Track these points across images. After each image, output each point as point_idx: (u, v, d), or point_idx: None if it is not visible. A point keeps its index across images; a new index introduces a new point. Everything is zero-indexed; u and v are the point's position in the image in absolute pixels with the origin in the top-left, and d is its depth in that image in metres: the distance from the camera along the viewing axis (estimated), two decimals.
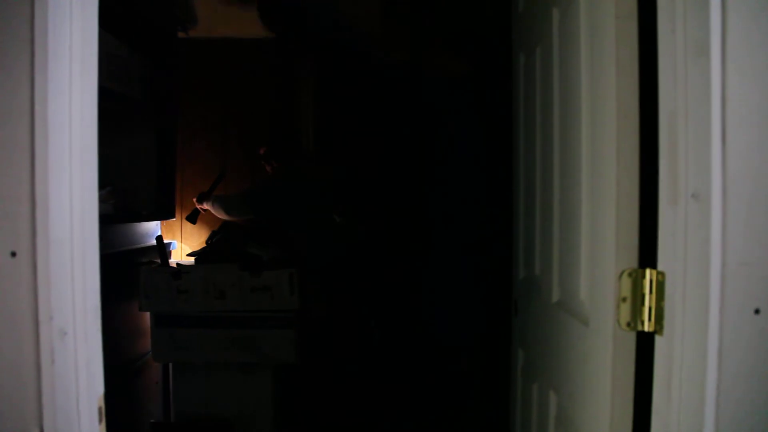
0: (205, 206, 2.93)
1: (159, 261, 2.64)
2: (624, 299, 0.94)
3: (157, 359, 2.58)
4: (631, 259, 0.96)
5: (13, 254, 0.81)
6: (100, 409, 0.93)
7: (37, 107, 0.79)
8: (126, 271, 2.52)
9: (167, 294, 2.50)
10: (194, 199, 2.97)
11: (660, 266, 0.90)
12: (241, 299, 2.49)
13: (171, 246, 3.02)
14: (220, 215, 2.91)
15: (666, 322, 0.88)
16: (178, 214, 3.15)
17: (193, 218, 3.02)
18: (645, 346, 0.94)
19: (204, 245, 2.95)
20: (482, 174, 2.14)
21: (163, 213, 2.95)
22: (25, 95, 0.79)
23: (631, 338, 0.96)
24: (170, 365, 2.68)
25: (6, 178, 0.79)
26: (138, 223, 2.71)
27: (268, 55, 3.29)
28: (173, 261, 2.73)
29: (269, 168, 2.99)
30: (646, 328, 0.92)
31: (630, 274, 0.94)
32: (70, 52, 0.83)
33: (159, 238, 2.68)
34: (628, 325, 0.94)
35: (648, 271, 0.92)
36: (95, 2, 0.91)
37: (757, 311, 0.80)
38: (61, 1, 0.81)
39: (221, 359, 2.54)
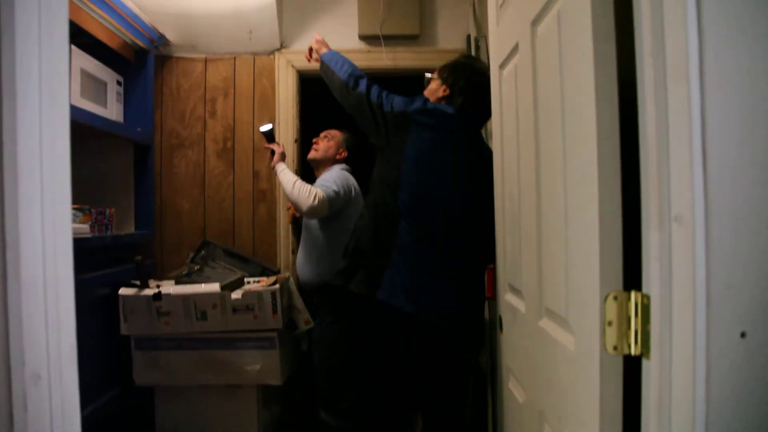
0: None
1: (139, 283, 2.60)
2: (610, 323, 0.94)
3: (138, 382, 2.53)
4: (616, 282, 0.95)
5: None
6: None
7: (6, 145, 0.77)
8: (107, 294, 2.47)
9: (147, 316, 2.46)
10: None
11: (645, 289, 0.89)
12: (223, 320, 2.46)
13: (150, 266, 2.97)
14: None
15: (653, 346, 0.88)
16: (157, 234, 3.11)
17: (272, 133, 2.94)
18: (632, 369, 0.94)
19: (185, 265, 2.91)
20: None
21: (143, 233, 2.91)
22: None
23: (618, 362, 0.95)
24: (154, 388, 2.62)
25: None
26: (116, 244, 2.66)
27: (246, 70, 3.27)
28: (153, 282, 2.69)
29: (336, 153, 2.91)
30: (632, 352, 0.92)
31: (615, 298, 0.94)
32: (39, 84, 0.81)
33: (138, 260, 2.64)
34: (615, 348, 0.94)
35: (633, 294, 0.92)
36: (65, 30, 0.89)
37: (743, 334, 0.79)
38: (28, 32, 0.79)
39: (204, 381, 2.50)
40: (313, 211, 2.58)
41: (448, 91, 2.04)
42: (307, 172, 3.07)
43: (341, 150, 2.92)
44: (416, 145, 1.92)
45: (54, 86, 0.84)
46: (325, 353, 2.58)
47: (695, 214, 0.80)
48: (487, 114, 1.96)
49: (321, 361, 2.58)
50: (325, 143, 2.93)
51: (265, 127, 2.95)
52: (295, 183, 2.63)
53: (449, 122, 1.98)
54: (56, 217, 0.84)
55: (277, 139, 3.07)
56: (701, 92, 0.79)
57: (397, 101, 1.99)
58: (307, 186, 2.62)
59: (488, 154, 2.02)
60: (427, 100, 2.03)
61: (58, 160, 0.85)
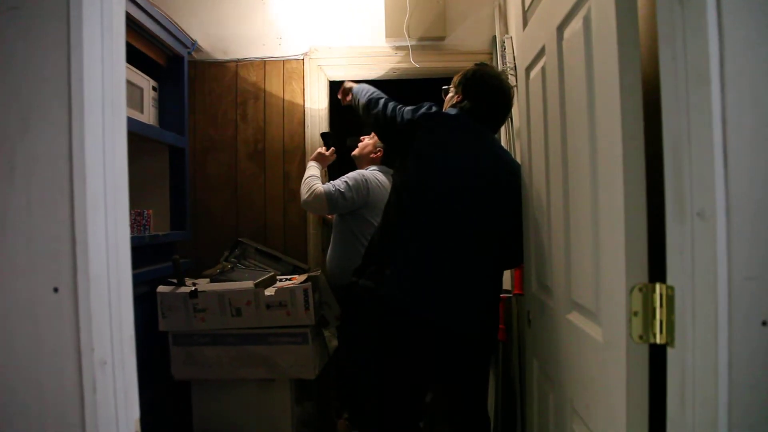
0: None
1: (176, 281, 2.69)
2: (636, 313, 0.98)
3: (176, 376, 2.62)
4: (642, 275, 0.99)
5: (56, 290, 0.86)
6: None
7: (75, 152, 0.84)
8: (146, 291, 2.57)
9: (184, 313, 2.55)
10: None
11: (669, 281, 0.94)
12: (257, 316, 2.54)
13: (187, 265, 3.07)
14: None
15: (677, 335, 0.92)
16: (192, 233, 3.21)
17: (327, 139, 3.14)
18: (658, 358, 0.98)
19: (219, 264, 3.00)
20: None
21: (179, 233, 3.01)
22: (64, 140, 0.84)
23: (644, 350, 0.99)
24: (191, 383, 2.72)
25: (49, 219, 0.84)
26: (154, 244, 2.76)
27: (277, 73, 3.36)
28: (189, 280, 2.78)
29: (374, 153, 3.04)
30: (658, 341, 0.96)
31: (641, 289, 0.98)
32: (102, 97, 0.89)
33: (175, 259, 2.73)
34: (641, 338, 0.98)
35: (658, 286, 0.96)
36: (122, 49, 0.96)
37: (764, 323, 0.83)
38: (93, 52, 0.86)
39: (239, 376, 2.59)
40: (306, 206, 2.86)
41: (459, 96, 2.11)
42: (344, 171, 3.17)
43: (377, 149, 3.02)
44: (420, 146, 1.98)
45: (114, 98, 0.92)
46: (349, 358, 2.69)
47: (717, 209, 0.84)
48: (498, 116, 2.04)
49: (345, 365, 2.69)
50: (365, 141, 3.06)
51: (324, 132, 3.22)
52: (306, 178, 2.84)
53: (450, 122, 2.03)
54: (117, 218, 0.92)
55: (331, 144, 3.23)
56: (722, 93, 0.83)
57: (406, 111, 2.08)
58: (314, 182, 2.80)
59: (501, 153, 2.07)
60: (432, 105, 2.09)
61: (118, 164, 0.93)
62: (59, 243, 0.85)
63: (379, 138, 2.40)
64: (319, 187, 2.76)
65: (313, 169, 2.93)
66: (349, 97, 2.53)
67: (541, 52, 1.51)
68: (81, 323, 0.86)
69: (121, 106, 0.95)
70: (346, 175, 2.89)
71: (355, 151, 3.10)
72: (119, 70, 0.93)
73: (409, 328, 1.92)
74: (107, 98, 0.89)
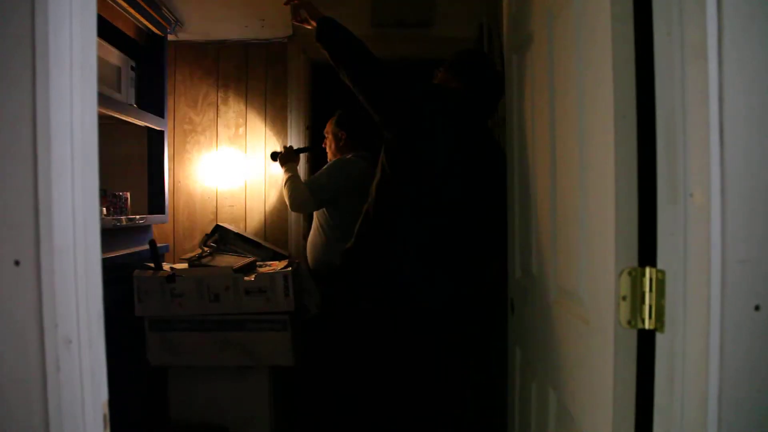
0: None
1: (153, 265, 2.63)
2: (624, 298, 0.96)
3: (153, 363, 2.57)
4: (631, 258, 0.97)
5: (17, 263, 0.80)
6: (104, 415, 0.93)
7: (39, 115, 0.79)
8: (122, 276, 2.51)
9: (161, 298, 2.49)
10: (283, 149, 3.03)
11: (660, 264, 0.91)
12: (236, 302, 2.49)
13: (164, 249, 3.00)
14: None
15: (667, 320, 0.90)
16: (170, 217, 3.14)
17: (275, 156, 3.06)
18: (646, 343, 0.96)
19: (197, 248, 2.95)
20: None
21: (156, 216, 2.94)
22: (27, 102, 0.78)
23: (632, 336, 0.97)
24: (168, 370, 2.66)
25: (10, 187, 0.79)
26: (130, 227, 2.69)
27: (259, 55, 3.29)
28: (167, 265, 2.72)
29: (338, 143, 2.97)
30: (647, 326, 0.93)
31: (630, 273, 0.95)
32: (71, 57, 0.83)
33: (152, 242, 2.67)
34: (629, 323, 0.95)
35: (648, 270, 0.93)
36: (93, 8, 0.91)
37: (757, 308, 0.81)
38: (60, 8, 0.81)
39: (217, 363, 2.54)
40: (298, 210, 2.96)
41: (448, 77, 2.07)
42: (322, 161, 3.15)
43: (340, 135, 2.96)
44: (430, 124, 1.93)
45: (85, 58, 0.86)
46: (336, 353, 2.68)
47: (711, 190, 0.81)
48: (488, 97, 2.00)
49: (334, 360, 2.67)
50: (328, 144, 3.03)
51: (273, 153, 3.12)
52: (285, 183, 2.83)
53: (457, 101, 1.99)
54: (86, 186, 0.86)
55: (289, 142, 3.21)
56: (719, 69, 0.80)
57: (405, 82, 1.99)
58: (296, 185, 2.80)
59: (490, 137, 2.05)
60: (426, 82, 2.05)
61: (88, 130, 0.87)
62: (21, 213, 0.80)
63: (369, 101, 1.98)
64: (300, 189, 2.79)
65: (286, 174, 2.91)
66: (311, 25, 2.06)
67: (530, 32, 1.48)
68: (44, 298, 0.80)
69: (91, 67, 0.89)
70: (325, 168, 2.90)
71: (329, 156, 3.04)
72: (90, 27, 0.87)
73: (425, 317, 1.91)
74: (76, 57, 0.83)
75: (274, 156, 3.05)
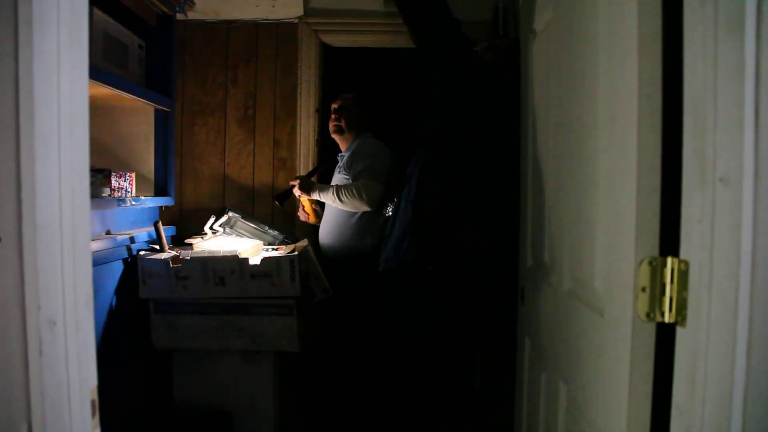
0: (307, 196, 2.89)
1: (158, 247, 2.59)
2: (643, 289, 0.90)
3: (157, 346, 2.54)
4: (652, 247, 0.91)
5: None
6: (93, 402, 0.88)
7: (21, 82, 0.74)
8: (126, 257, 2.48)
9: (166, 280, 2.46)
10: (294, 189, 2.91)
11: (683, 254, 0.85)
12: (241, 286, 2.44)
13: (170, 231, 2.97)
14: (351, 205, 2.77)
15: (689, 313, 0.84)
16: (176, 199, 3.10)
17: (282, 199, 2.98)
18: (665, 338, 0.90)
19: (203, 231, 2.91)
20: None
21: (162, 198, 2.90)
22: (10, 68, 0.73)
23: (650, 329, 0.91)
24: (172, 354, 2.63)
25: None
26: (136, 209, 2.66)
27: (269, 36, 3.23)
28: (172, 247, 2.68)
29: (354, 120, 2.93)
30: (666, 319, 0.88)
31: (650, 263, 0.89)
32: (58, 21, 0.78)
33: (157, 224, 2.63)
34: (648, 315, 0.90)
35: (670, 260, 0.87)
36: None
37: None
38: None
39: (221, 346, 2.50)
40: (372, 204, 2.74)
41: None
42: (330, 143, 3.10)
43: (362, 116, 2.96)
44: (502, 94, 1.90)
45: (73, 21, 0.81)
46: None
47: (744, 175, 0.75)
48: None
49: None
50: (332, 121, 2.97)
51: (277, 195, 3.03)
52: (336, 195, 2.75)
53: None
54: (74, 159, 0.82)
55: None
56: (757, 43, 0.73)
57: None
58: (348, 187, 2.74)
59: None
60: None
61: (77, 99, 0.82)
62: (2, 186, 0.75)
63: (427, 51, 2.02)
64: (362, 183, 2.74)
65: (323, 188, 2.85)
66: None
67: (549, 12, 1.41)
68: (26, 277, 0.76)
69: (81, 31, 0.83)
70: (363, 151, 2.86)
71: (335, 135, 2.99)
72: None
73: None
74: (64, 20, 0.78)
75: (281, 198, 2.99)
